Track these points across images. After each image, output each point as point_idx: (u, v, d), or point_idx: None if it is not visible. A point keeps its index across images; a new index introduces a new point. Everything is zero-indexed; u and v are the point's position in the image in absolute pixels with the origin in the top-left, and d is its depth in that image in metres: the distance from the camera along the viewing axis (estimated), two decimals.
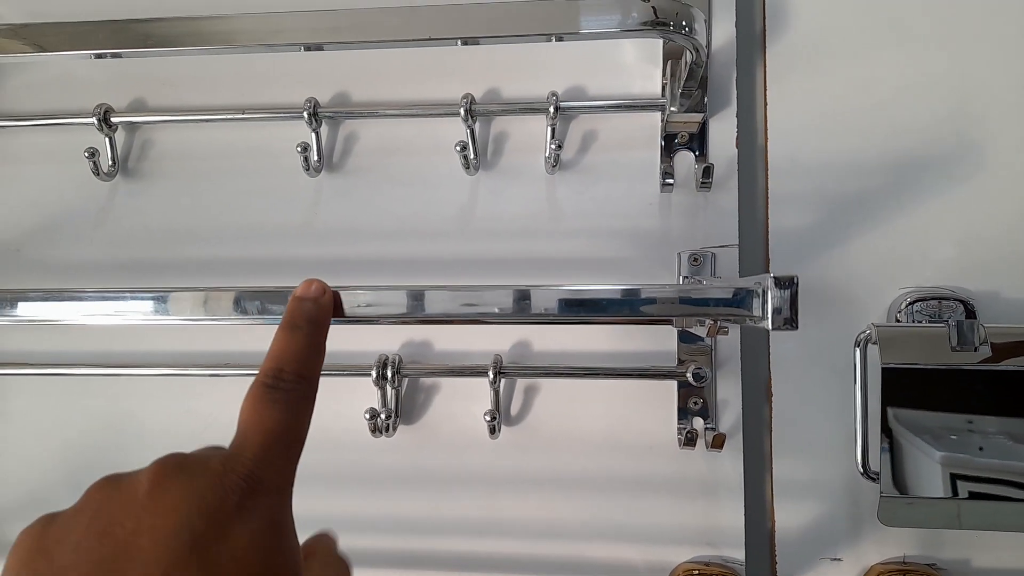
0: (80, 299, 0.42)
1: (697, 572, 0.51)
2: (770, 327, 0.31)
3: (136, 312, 0.41)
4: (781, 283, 0.31)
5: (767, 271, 0.53)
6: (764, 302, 0.32)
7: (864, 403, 0.47)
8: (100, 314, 0.41)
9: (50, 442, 0.57)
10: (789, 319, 0.31)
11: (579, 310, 0.35)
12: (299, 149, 0.53)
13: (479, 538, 0.53)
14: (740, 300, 0.33)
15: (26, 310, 0.42)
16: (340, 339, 0.53)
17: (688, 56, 0.46)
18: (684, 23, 0.42)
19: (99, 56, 0.49)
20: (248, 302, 0.41)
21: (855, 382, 0.47)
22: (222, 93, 0.56)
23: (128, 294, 0.41)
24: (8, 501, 0.57)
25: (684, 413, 0.52)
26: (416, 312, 0.37)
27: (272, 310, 0.40)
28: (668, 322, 0.49)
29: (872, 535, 0.50)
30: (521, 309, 0.35)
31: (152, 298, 0.41)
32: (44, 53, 0.48)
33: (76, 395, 0.57)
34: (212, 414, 0.56)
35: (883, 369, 0.45)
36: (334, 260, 0.55)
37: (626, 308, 0.34)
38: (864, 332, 0.47)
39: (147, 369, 0.56)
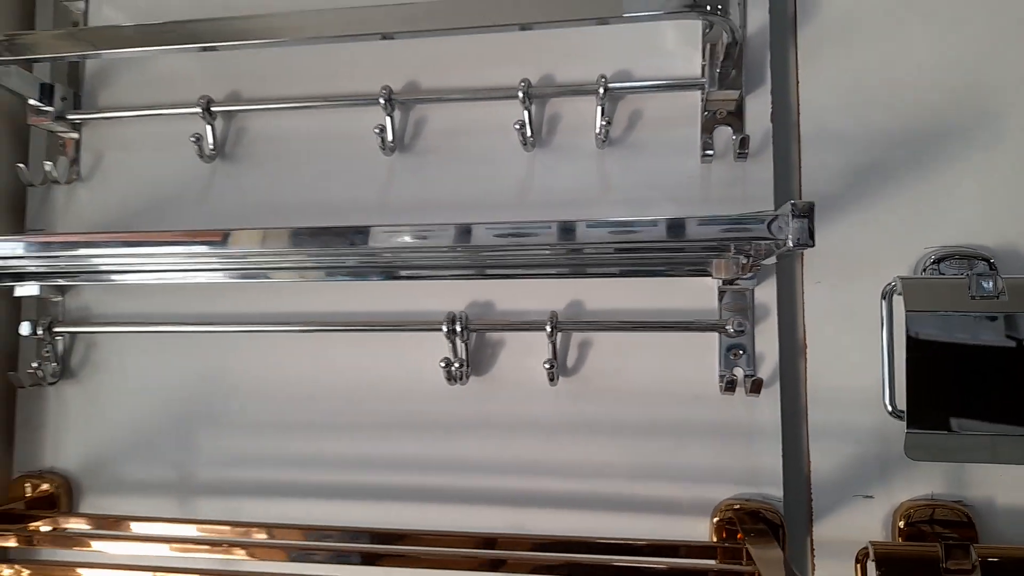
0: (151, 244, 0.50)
1: (738, 506, 0.56)
2: (791, 244, 0.36)
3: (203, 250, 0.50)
4: (798, 210, 0.36)
5: None
6: (785, 226, 0.37)
7: (891, 348, 0.51)
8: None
9: (156, 393, 0.65)
10: (805, 242, 0.36)
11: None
12: (376, 131, 0.60)
13: (539, 477, 0.59)
14: (765, 221, 0.38)
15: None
16: (412, 298, 0.60)
17: (724, 37, 0.52)
18: (719, 5, 0.48)
19: (204, 50, 0.56)
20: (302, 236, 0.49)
21: (882, 329, 0.52)
22: (306, 84, 0.64)
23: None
24: (124, 446, 0.65)
25: (725, 363, 0.57)
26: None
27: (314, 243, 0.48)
28: (707, 274, 0.54)
29: (902, 474, 0.55)
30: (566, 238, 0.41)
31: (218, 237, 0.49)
32: (152, 48, 0.56)
33: (177, 352, 0.65)
34: (295, 367, 0.63)
35: (907, 313, 0.50)
36: None
37: (666, 232, 0.39)
38: (890, 284, 0.52)
39: (238, 327, 0.63)
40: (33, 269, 0.62)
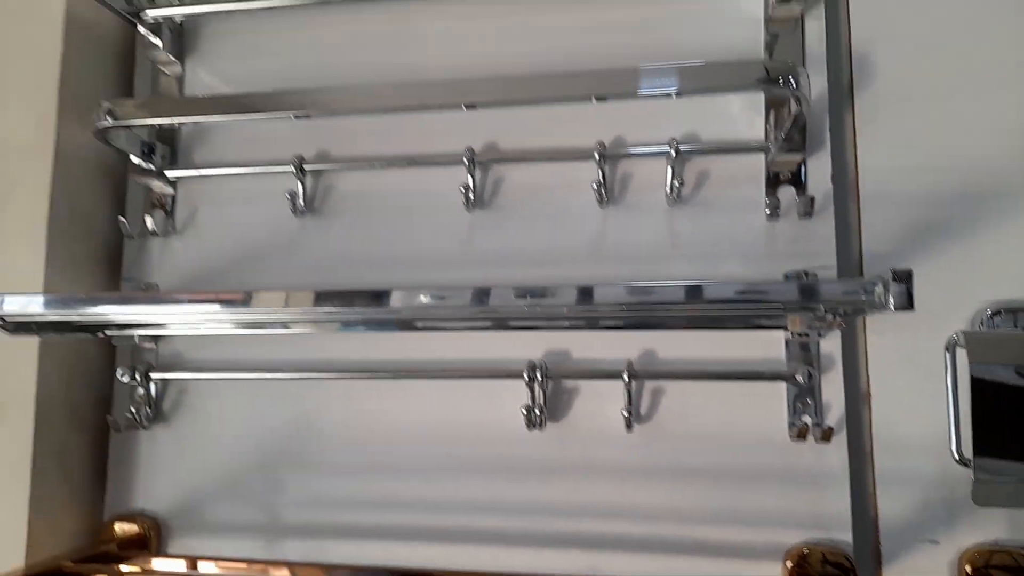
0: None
1: (808, 551, 0.58)
2: (893, 308, 0.40)
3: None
4: (899, 276, 0.40)
5: None
6: (886, 290, 0.40)
7: (955, 398, 0.54)
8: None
9: (244, 437, 0.68)
10: (905, 306, 0.39)
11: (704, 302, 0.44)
12: (461, 189, 0.65)
13: (614, 520, 0.61)
14: (868, 288, 0.41)
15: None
16: (494, 349, 0.63)
17: (793, 106, 0.56)
18: (792, 79, 0.52)
19: (298, 117, 0.61)
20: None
21: (946, 380, 0.55)
22: (393, 145, 0.68)
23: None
24: (213, 488, 0.68)
25: (794, 411, 0.60)
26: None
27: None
28: (782, 327, 0.57)
29: (967, 520, 0.57)
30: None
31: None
32: (254, 114, 0.61)
33: (268, 397, 0.68)
34: (380, 412, 0.66)
35: (971, 365, 0.53)
36: (485, 283, 0.65)
37: (797, 293, 0.42)
38: (953, 337, 0.55)
39: (325, 374, 0.67)
40: (117, 320, 0.66)
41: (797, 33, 0.65)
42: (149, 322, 0.63)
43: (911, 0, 0.63)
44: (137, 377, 0.68)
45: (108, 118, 0.61)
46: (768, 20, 0.65)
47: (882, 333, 0.60)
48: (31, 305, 0.56)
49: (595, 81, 0.55)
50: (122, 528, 0.68)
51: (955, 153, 0.61)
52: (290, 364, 0.68)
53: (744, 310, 0.53)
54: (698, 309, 0.51)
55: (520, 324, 0.61)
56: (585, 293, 0.47)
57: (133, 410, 0.68)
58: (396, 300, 0.52)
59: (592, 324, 0.61)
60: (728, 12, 0.66)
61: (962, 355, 0.54)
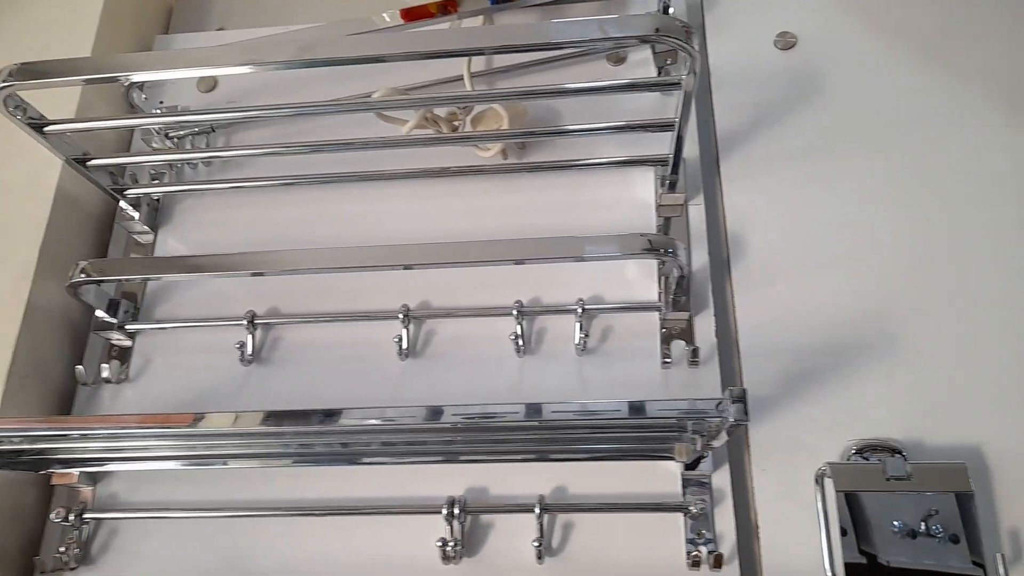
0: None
1: None
2: (732, 420, 0.47)
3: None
4: (735, 396, 0.48)
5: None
6: (727, 408, 0.48)
7: (827, 522, 0.61)
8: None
9: None
10: (741, 419, 0.47)
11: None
12: (395, 340, 0.73)
13: None
14: (716, 406, 0.49)
15: None
16: (422, 486, 0.68)
17: (675, 272, 0.67)
18: (670, 249, 0.63)
19: (253, 275, 0.70)
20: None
21: (817, 507, 0.61)
22: (336, 300, 0.77)
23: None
24: None
25: (690, 541, 0.65)
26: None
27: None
28: (670, 457, 0.64)
29: None
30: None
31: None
32: (211, 273, 0.70)
33: (198, 537, 0.71)
34: (319, 550, 0.69)
35: (836, 493, 0.60)
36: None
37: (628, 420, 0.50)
38: (821, 469, 0.63)
39: (257, 512, 0.70)
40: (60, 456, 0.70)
41: (683, 217, 0.78)
42: (94, 454, 0.67)
43: (773, 192, 0.77)
44: (70, 518, 0.71)
45: (81, 275, 0.69)
46: (658, 206, 0.78)
47: (765, 468, 0.67)
48: None
49: (518, 247, 0.66)
50: None
51: (817, 314, 0.72)
52: (222, 503, 0.71)
53: (631, 433, 0.60)
54: (536, 429, 0.58)
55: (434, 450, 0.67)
56: (435, 413, 0.54)
57: (62, 550, 0.70)
58: (346, 418, 0.57)
59: (505, 453, 0.67)
60: (629, 200, 0.79)
61: (830, 484, 0.62)
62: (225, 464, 0.70)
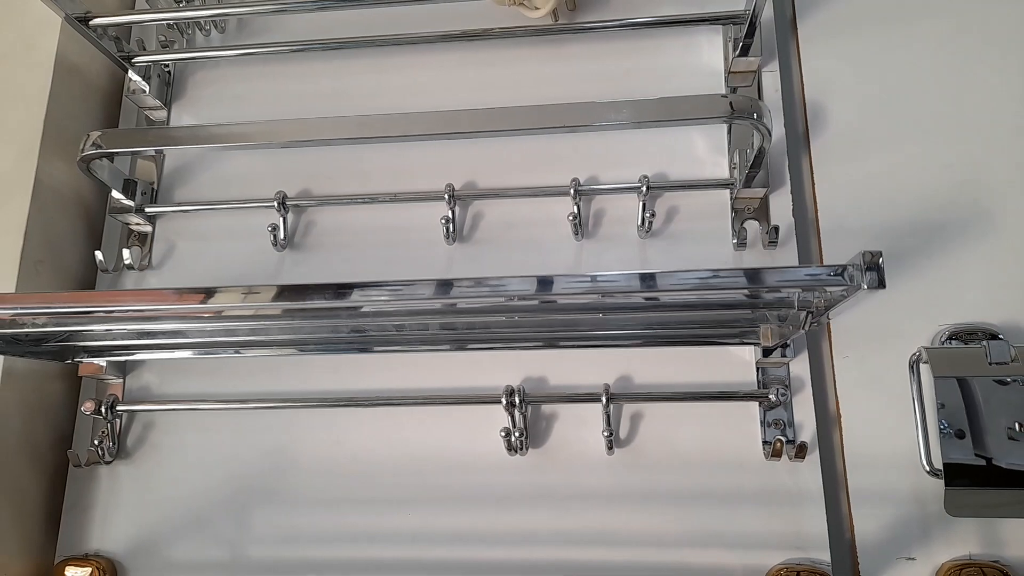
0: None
1: (787, 572, 0.58)
2: (865, 287, 0.42)
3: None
4: (869, 263, 0.42)
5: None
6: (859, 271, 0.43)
7: (923, 412, 0.56)
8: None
9: (212, 472, 0.66)
10: (875, 286, 0.42)
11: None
12: (442, 221, 0.67)
13: (597, 546, 0.61)
14: (841, 272, 0.44)
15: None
16: (469, 375, 0.64)
17: (755, 140, 0.60)
18: (755, 113, 0.56)
19: (284, 147, 0.63)
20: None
21: (912, 395, 0.57)
22: (374, 182, 0.71)
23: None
24: (176, 526, 0.65)
25: (767, 430, 0.61)
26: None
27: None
28: (754, 342, 0.59)
29: (941, 535, 0.58)
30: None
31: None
32: (239, 144, 0.62)
33: (237, 431, 0.67)
34: (357, 444, 0.65)
35: (935, 380, 0.55)
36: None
37: (754, 283, 0.44)
38: (915, 354, 0.58)
39: (297, 404, 0.66)
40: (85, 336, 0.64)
41: (755, 85, 0.70)
42: (119, 340, 0.61)
43: (855, 56, 0.69)
44: (102, 410, 0.66)
45: (94, 148, 0.62)
46: (728, 73, 0.70)
47: (847, 355, 0.62)
48: None
49: (576, 112, 0.58)
50: (73, 571, 0.65)
51: (905, 190, 0.65)
52: (261, 395, 0.67)
53: (730, 310, 0.55)
54: (656, 302, 0.52)
55: (486, 345, 0.62)
56: (544, 283, 0.47)
57: (96, 443, 0.66)
58: (357, 296, 0.50)
59: (565, 339, 0.62)
60: (693, 66, 0.71)
61: (926, 371, 0.57)
62: (242, 351, 0.65)
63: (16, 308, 0.52)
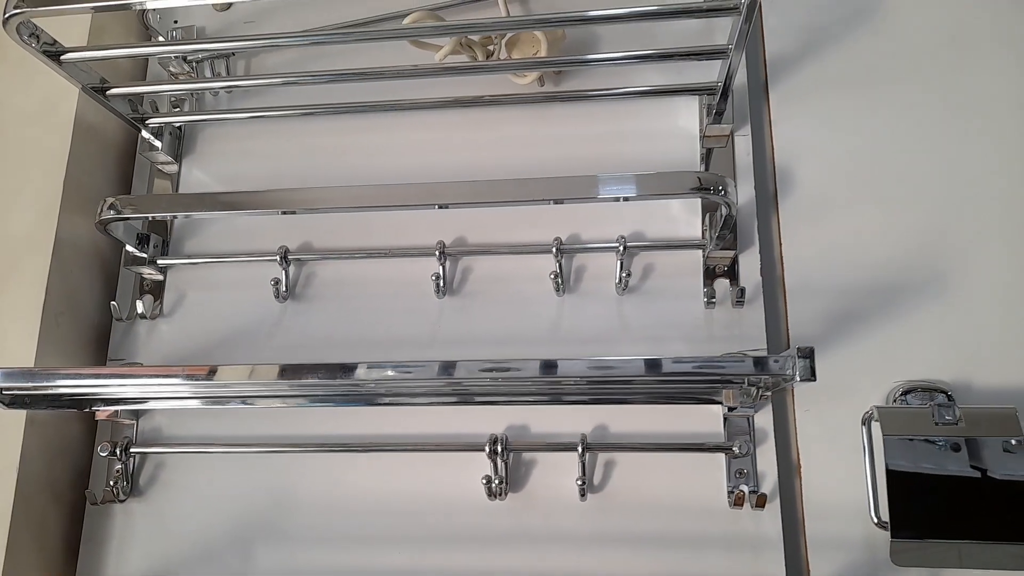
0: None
1: None
2: (798, 379, 0.46)
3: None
4: (803, 353, 0.47)
5: None
6: (794, 364, 0.47)
7: (872, 467, 0.61)
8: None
9: (222, 509, 0.71)
10: (809, 376, 0.46)
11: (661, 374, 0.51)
12: (432, 277, 0.72)
13: None
14: (778, 363, 0.48)
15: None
16: (458, 421, 0.68)
17: (723, 210, 0.65)
18: (720, 187, 0.61)
19: (285, 214, 0.68)
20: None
21: (864, 451, 0.61)
22: (371, 236, 0.76)
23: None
24: (188, 557, 0.70)
25: (732, 480, 0.65)
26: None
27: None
28: (718, 402, 0.64)
29: None
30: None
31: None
32: (244, 211, 0.68)
33: (242, 472, 0.72)
34: (353, 486, 0.70)
35: (884, 438, 0.60)
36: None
37: (695, 374, 0.49)
38: (867, 412, 0.62)
39: (299, 448, 0.71)
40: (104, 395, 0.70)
41: (728, 148, 0.75)
42: (119, 396, 0.67)
43: (824, 121, 0.74)
44: (117, 452, 0.72)
45: (111, 211, 0.67)
46: (703, 137, 0.75)
47: (808, 409, 0.67)
48: None
49: (557, 186, 0.63)
50: None
51: (867, 252, 0.70)
52: (265, 439, 0.72)
53: (689, 384, 0.60)
54: (652, 382, 0.57)
55: (483, 399, 0.67)
56: (549, 367, 0.52)
57: (111, 483, 0.71)
58: (361, 373, 0.56)
59: (553, 399, 0.67)
60: (670, 130, 0.76)
61: (877, 428, 0.61)
62: (250, 403, 0.70)
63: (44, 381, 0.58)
